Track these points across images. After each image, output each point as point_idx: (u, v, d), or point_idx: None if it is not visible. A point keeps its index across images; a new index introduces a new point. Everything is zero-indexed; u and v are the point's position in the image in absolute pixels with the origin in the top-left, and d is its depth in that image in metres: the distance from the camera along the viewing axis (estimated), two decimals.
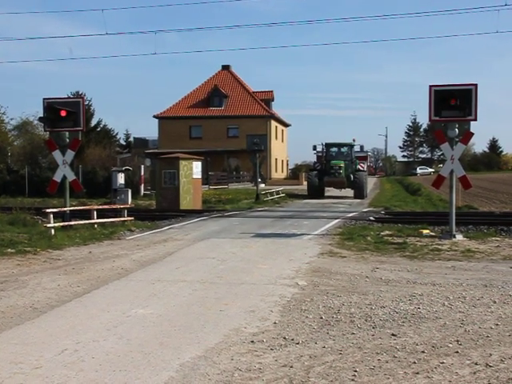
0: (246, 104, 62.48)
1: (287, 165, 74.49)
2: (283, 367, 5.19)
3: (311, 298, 7.83)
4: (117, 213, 18.82)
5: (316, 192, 34.66)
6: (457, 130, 14.27)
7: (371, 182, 51.02)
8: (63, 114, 16.33)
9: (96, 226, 16.85)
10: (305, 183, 44.11)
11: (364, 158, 46.91)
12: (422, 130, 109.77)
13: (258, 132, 43.40)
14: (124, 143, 72.38)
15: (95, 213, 17.34)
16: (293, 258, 11.28)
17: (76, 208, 17.54)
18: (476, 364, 5.23)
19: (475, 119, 14.29)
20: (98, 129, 60.12)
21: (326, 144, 37.20)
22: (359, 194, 34.16)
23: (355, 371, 5.05)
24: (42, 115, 17.09)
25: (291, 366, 5.20)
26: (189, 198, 26.10)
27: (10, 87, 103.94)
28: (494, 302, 7.59)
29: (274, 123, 63.29)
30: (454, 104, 14.00)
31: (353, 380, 4.89)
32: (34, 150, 50.83)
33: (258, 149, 31.89)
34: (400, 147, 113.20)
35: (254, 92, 64.49)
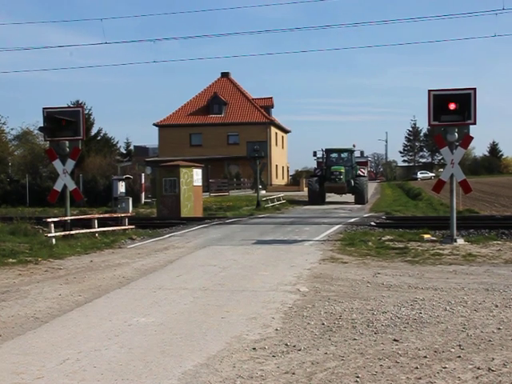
0: (246, 111, 62.55)
1: (288, 171, 74.50)
2: (285, 374, 5.18)
3: (313, 305, 7.82)
4: (118, 221, 18.83)
5: (317, 198, 34.64)
6: (456, 134, 14.28)
7: (372, 187, 51.02)
8: (63, 123, 16.38)
9: (97, 234, 16.85)
10: (305, 189, 44.11)
11: (364, 164, 46.93)
12: (422, 134, 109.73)
13: (258, 139, 43.44)
14: (124, 151, 72.37)
15: (96, 222, 17.35)
16: (294, 265, 11.27)
17: (77, 217, 17.58)
18: (478, 368, 5.22)
19: (474, 123, 14.31)
20: (99, 137, 60.11)
21: (326, 150, 37.23)
22: (360, 199, 34.16)
23: (357, 377, 5.04)
24: (42, 125, 17.13)
25: (293, 373, 5.19)
26: (190, 205, 26.10)
27: (9, 97, 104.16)
28: (496, 306, 7.58)
29: (273, 130, 63.36)
30: (453, 108, 14.02)
31: None
32: (35, 159, 50.85)
33: (258, 155, 31.94)
34: (400, 152, 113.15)
35: (253, 99, 64.57)
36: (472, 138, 14.69)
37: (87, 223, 17.59)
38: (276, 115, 66.70)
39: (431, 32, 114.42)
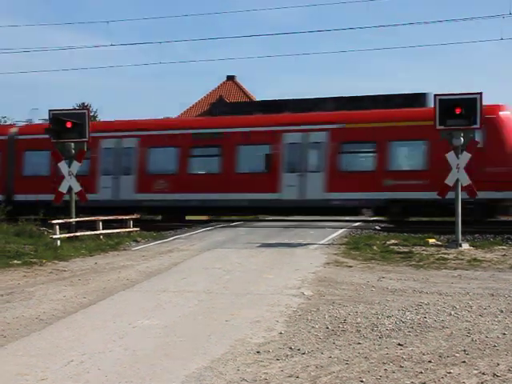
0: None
1: None
2: (289, 377, 5.17)
3: (317, 308, 7.81)
4: (122, 223, 18.83)
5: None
6: (462, 138, 14.26)
7: None
8: (69, 125, 16.44)
9: (102, 236, 16.87)
10: None
11: None
12: None
13: None
14: None
15: (101, 223, 17.37)
16: (299, 268, 11.26)
17: (82, 219, 17.60)
18: (483, 374, 5.19)
19: (480, 128, 14.30)
20: None
21: None
22: None
23: (362, 381, 5.03)
24: (47, 127, 17.18)
25: (297, 377, 5.18)
26: None
27: (15, 98, 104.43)
28: (501, 311, 7.56)
29: None
30: (458, 113, 14.01)
31: None
32: None
33: None
34: None
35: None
36: (477, 142, 14.68)
37: (92, 225, 17.61)
38: None
39: (438, 36, 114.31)
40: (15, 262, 12.35)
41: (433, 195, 16.35)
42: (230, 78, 66.85)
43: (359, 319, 7.21)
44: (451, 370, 5.28)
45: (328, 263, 11.88)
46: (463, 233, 14.81)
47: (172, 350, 6.02)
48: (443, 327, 6.80)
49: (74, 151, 16.75)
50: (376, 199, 20.69)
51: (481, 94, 14.26)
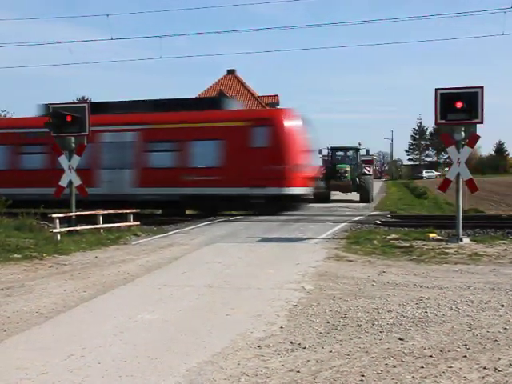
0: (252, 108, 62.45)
1: None
2: (290, 372, 5.16)
3: (318, 303, 7.80)
4: (123, 217, 18.82)
5: (322, 196, 34.54)
6: (463, 132, 14.22)
7: (377, 186, 50.90)
8: (68, 119, 16.41)
9: (102, 231, 16.86)
10: None
11: (370, 162, 46.87)
12: (427, 133, 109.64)
13: None
14: None
15: (101, 218, 17.36)
16: (299, 262, 11.25)
17: (82, 213, 17.58)
18: (484, 368, 5.19)
19: (481, 122, 14.23)
20: None
21: (331, 148, 37.19)
22: (365, 197, 34.08)
23: (363, 376, 5.02)
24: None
25: (298, 371, 5.17)
26: None
27: (14, 92, 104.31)
28: (502, 306, 7.54)
29: None
30: (460, 107, 13.96)
31: None
32: None
33: None
34: (406, 151, 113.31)
35: (259, 96, 64.50)
36: (479, 136, 14.62)
37: (92, 219, 17.59)
38: None
39: (440, 30, 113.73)
40: (15, 256, 12.34)
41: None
42: (231, 72, 66.78)
43: (360, 314, 7.20)
44: (452, 365, 5.27)
45: (328, 257, 11.87)
46: (464, 227, 14.79)
47: (173, 344, 6.02)
48: (444, 322, 6.79)
49: (73, 145, 16.74)
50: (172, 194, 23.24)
51: (482, 88, 14.20)
